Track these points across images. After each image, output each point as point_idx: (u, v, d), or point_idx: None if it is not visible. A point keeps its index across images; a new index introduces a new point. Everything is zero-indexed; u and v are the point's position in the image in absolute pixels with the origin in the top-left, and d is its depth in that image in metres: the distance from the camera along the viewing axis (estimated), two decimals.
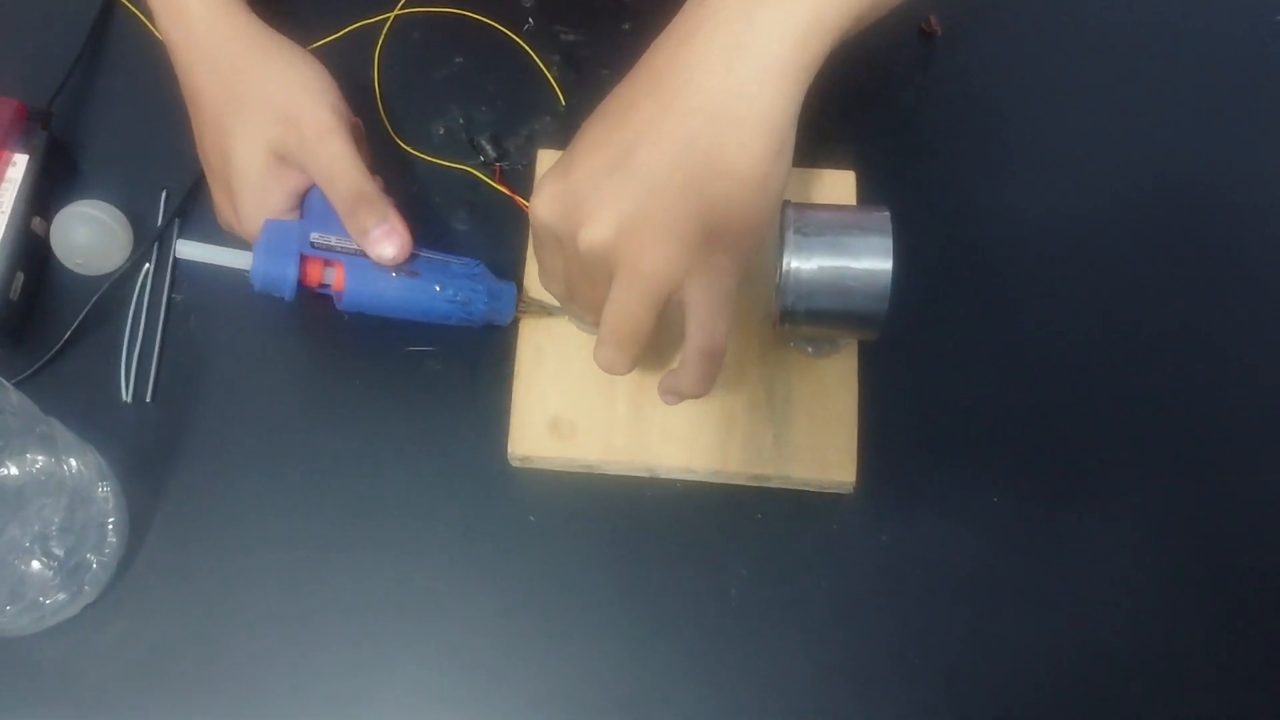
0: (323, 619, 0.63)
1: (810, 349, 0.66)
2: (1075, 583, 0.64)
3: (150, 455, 0.65)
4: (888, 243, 0.58)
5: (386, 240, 0.61)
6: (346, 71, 0.65)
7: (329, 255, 0.62)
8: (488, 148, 0.72)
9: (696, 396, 0.55)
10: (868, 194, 0.69)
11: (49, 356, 0.67)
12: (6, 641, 0.61)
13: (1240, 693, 0.63)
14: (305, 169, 0.62)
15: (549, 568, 0.64)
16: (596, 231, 0.49)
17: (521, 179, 0.71)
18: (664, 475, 0.65)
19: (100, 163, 0.72)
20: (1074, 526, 0.65)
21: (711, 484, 0.65)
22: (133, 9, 0.75)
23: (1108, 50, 0.76)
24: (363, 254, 0.62)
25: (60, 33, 0.74)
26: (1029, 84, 0.75)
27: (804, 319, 0.60)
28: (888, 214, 0.59)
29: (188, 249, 0.62)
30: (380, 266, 0.62)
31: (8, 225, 0.67)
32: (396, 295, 0.63)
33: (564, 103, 0.74)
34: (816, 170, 0.69)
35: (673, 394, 0.56)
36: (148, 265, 0.69)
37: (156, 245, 0.69)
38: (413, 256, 0.62)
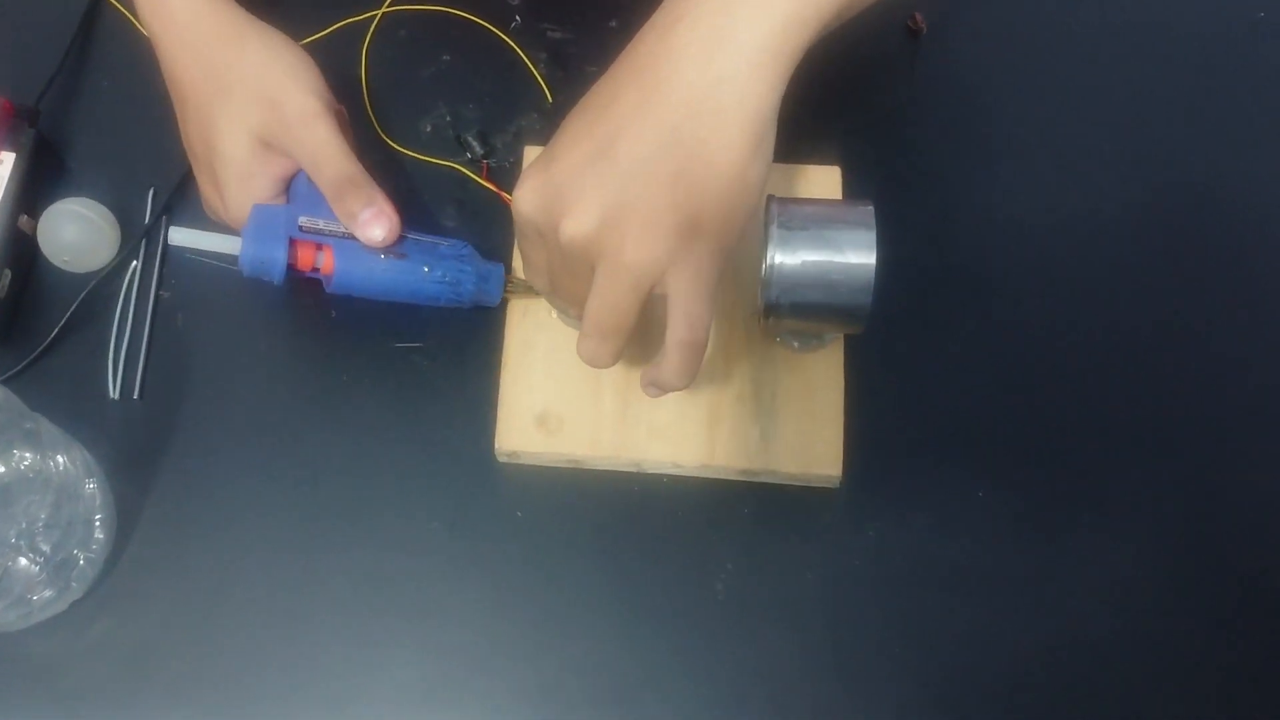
0: (310, 614, 0.63)
1: (796, 344, 0.66)
2: (1061, 576, 0.64)
3: (137, 452, 0.66)
4: (871, 236, 0.58)
5: (375, 223, 0.61)
6: (334, 68, 0.65)
7: (318, 239, 0.62)
8: (475, 145, 0.73)
9: (678, 389, 0.55)
10: (853, 189, 0.69)
11: (36, 353, 0.67)
12: None
13: (1233, 689, 0.63)
14: (290, 154, 0.62)
15: (537, 563, 0.64)
16: (578, 223, 0.49)
17: (509, 176, 0.72)
18: (651, 470, 0.65)
19: (87, 160, 0.72)
20: (1060, 520, 0.65)
21: (698, 479, 0.65)
22: (120, 8, 0.75)
23: (1092, 46, 0.76)
24: (351, 237, 0.62)
25: (48, 31, 0.74)
26: (1014, 80, 0.75)
27: (788, 313, 0.60)
28: (872, 208, 0.59)
29: (180, 235, 0.62)
30: (369, 249, 0.62)
31: None
32: (385, 277, 0.63)
33: (551, 100, 0.74)
34: (802, 166, 0.69)
35: (655, 386, 0.56)
36: (135, 262, 0.69)
37: (144, 242, 0.70)
38: (401, 239, 0.62)
